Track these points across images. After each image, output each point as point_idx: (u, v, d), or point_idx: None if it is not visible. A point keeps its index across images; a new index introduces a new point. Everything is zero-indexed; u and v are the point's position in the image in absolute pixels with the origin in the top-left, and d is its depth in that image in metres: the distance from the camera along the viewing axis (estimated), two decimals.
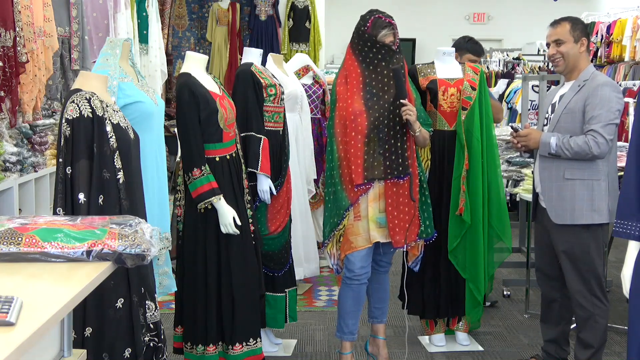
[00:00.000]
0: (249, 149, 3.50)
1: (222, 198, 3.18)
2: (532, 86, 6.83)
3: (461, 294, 3.91)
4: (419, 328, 4.20)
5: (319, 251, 4.86)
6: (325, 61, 9.61)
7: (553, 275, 3.53)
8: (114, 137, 2.47)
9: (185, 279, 3.30)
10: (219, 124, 3.22)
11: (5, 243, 1.73)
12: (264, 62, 3.94)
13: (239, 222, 3.21)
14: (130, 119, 2.70)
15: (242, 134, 3.49)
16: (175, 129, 3.45)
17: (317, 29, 8.82)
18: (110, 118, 2.49)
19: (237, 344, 3.29)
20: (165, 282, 3.12)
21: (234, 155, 3.32)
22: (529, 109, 6.35)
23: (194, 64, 3.32)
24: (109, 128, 2.47)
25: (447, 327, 4.07)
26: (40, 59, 4.04)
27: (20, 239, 1.74)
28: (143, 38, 5.86)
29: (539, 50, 10.80)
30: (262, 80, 3.62)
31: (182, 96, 3.19)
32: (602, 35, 9.03)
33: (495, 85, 8.52)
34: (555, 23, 3.41)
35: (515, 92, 7.87)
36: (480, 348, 4.01)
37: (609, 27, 8.94)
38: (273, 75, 3.83)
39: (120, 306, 2.46)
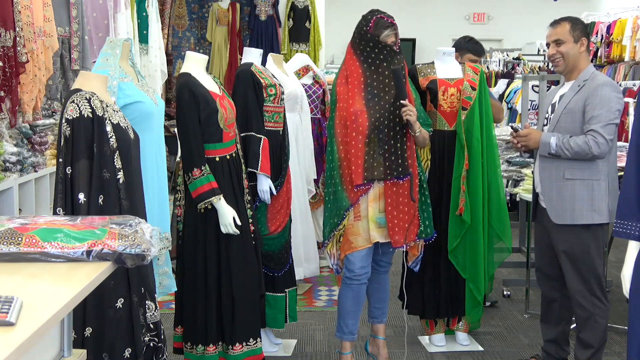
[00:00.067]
0: (249, 149, 3.50)
1: (222, 198, 3.18)
2: (532, 86, 6.83)
3: (461, 294, 3.91)
4: (419, 328, 4.20)
5: (319, 251, 4.86)
6: (325, 61, 9.61)
7: (553, 275, 3.53)
8: (114, 137, 2.47)
9: (185, 279, 3.30)
10: (219, 124, 3.22)
11: (5, 243, 1.73)
12: (264, 62, 3.94)
13: (239, 222, 3.21)
14: (130, 119, 2.70)
15: (242, 134, 3.49)
16: (175, 129, 3.45)
17: (317, 29, 8.82)
18: (110, 118, 2.49)
19: (237, 344, 3.29)
20: (165, 282, 3.12)
21: (234, 155, 3.32)
22: (529, 109, 6.35)
23: (194, 64, 3.32)
24: (109, 128, 2.47)
25: (447, 327, 4.07)
26: (40, 59, 4.04)
27: (20, 239, 1.74)
28: (143, 38, 5.86)
29: (539, 50, 10.80)
30: (262, 80, 3.62)
31: (182, 96, 3.19)
32: (602, 35, 9.03)
33: (495, 85, 8.52)
34: (555, 23, 3.42)
35: (515, 92, 7.87)
36: (480, 348, 4.01)
37: (609, 27, 8.94)
38: (273, 75, 3.83)
39: (120, 306, 2.46)
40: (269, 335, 3.91)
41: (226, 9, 8.59)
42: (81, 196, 2.39)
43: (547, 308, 3.62)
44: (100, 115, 2.45)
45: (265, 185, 3.54)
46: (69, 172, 2.41)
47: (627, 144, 3.75)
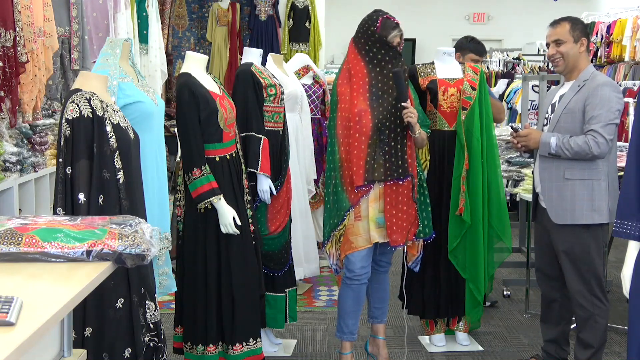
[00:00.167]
0: (249, 149, 3.50)
1: (222, 198, 3.18)
2: (532, 86, 6.84)
3: (461, 294, 3.91)
4: (419, 328, 4.20)
5: (319, 251, 4.86)
6: (325, 61, 9.61)
7: (553, 275, 3.53)
8: (114, 137, 2.47)
9: (185, 279, 3.30)
10: (219, 124, 3.22)
11: (5, 243, 1.73)
12: (264, 62, 3.94)
13: (239, 222, 3.21)
14: (130, 119, 2.70)
15: (242, 134, 3.49)
16: (175, 129, 3.45)
17: (317, 29, 8.82)
18: (110, 118, 2.49)
19: (237, 344, 3.29)
20: (165, 282, 3.12)
21: (234, 155, 3.32)
22: (529, 109, 6.36)
23: (194, 64, 3.32)
24: (109, 128, 2.47)
25: (447, 327, 4.07)
26: (40, 59, 4.04)
27: (20, 239, 1.74)
28: (143, 38, 5.86)
29: (539, 50, 10.80)
30: (262, 80, 3.62)
31: (182, 96, 3.19)
32: (602, 35, 9.03)
33: (495, 85, 8.52)
34: (555, 23, 3.41)
35: (515, 92, 7.87)
36: (480, 348, 4.01)
37: (609, 27, 8.93)
38: (273, 75, 3.83)
39: (120, 306, 2.46)
40: (269, 335, 3.91)
41: (226, 9, 8.59)
42: (81, 196, 2.39)
43: (547, 308, 3.62)
44: (100, 115, 2.45)
45: (265, 185, 3.54)
46: (69, 172, 2.41)
47: (627, 144, 3.75)
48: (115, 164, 2.46)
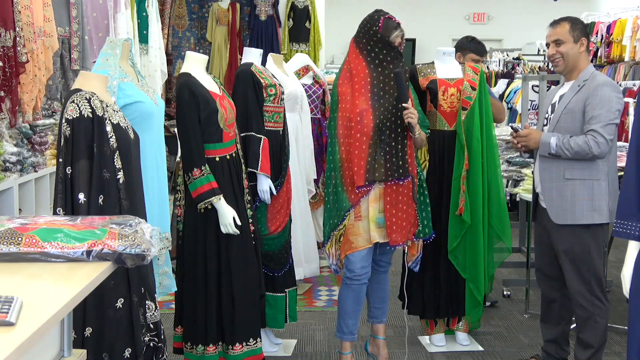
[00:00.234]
0: (249, 149, 3.50)
1: (222, 198, 3.18)
2: (532, 86, 6.84)
3: (461, 294, 3.91)
4: (419, 328, 4.20)
5: (319, 251, 4.86)
6: (325, 61, 9.61)
7: (553, 275, 3.53)
8: (114, 137, 2.47)
9: (185, 279, 3.30)
10: (219, 124, 3.22)
11: (5, 243, 1.73)
12: (264, 62, 3.94)
13: (239, 222, 3.21)
14: (130, 119, 2.70)
15: (242, 134, 3.49)
16: (175, 129, 3.45)
17: (317, 29, 8.82)
18: (110, 118, 2.49)
19: (237, 344, 3.29)
20: (165, 282, 3.12)
21: (234, 155, 3.32)
22: (529, 109, 6.36)
23: (194, 64, 3.32)
24: (109, 128, 2.47)
25: (447, 327, 4.07)
26: (40, 59, 4.04)
27: (20, 239, 1.74)
28: (143, 38, 5.86)
29: (539, 50, 10.80)
30: (262, 80, 3.62)
31: (182, 96, 3.19)
32: (602, 35, 9.03)
33: (495, 85, 8.52)
34: (554, 23, 3.42)
35: (515, 92, 7.88)
36: (480, 348, 4.01)
37: (609, 27, 8.94)
38: (273, 75, 3.83)
39: (120, 306, 2.46)
40: (269, 335, 3.91)
41: (226, 9, 8.59)
42: (81, 196, 2.39)
43: (547, 308, 3.62)
44: (100, 115, 2.45)
45: (265, 185, 3.54)
46: (69, 172, 2.41)
47: (627, 144, 3.75)
48: (115, 164, 2.46)
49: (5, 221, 1.81)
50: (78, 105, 2.43)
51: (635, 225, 2.25)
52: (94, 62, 3.64)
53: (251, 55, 3.76)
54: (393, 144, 3.31)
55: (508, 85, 8.25)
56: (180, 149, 3.28)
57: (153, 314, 2.65)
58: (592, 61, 7.91)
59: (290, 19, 8.73)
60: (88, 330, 2.43)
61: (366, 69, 3.31)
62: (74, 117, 2.42)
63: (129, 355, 2.48)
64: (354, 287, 3.43)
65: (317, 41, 8.82)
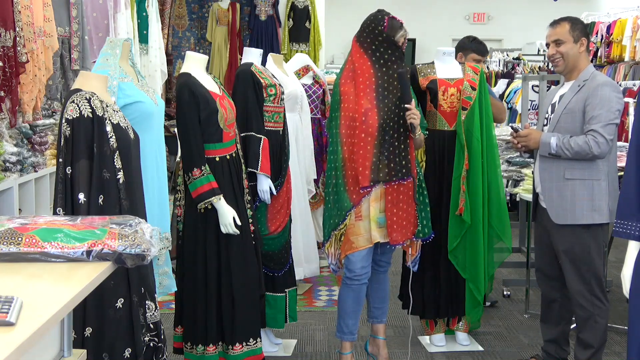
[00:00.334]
0: (249, 149, 3.50)
1: (222, 198, 3.18)
2: (532, 86, 6.84)
3: (461, 294, 3.91)
4: (419, 328, 4.20)
5: (319, 251, 4.86)
6: (325, 61, 9.61)
7: (553, 275, 3.53)
8: (114, 137, 2.47)
9: (185, 279, 3.30)
10: (219, 124, 3.22)
11: (5, 243, 1.73)
12: (264, 62, 3.94)
13: (239, 222, 3.21)
14: (130, 119, 2.70)
15: (242, 134, 3.49)
16: (175, 129, 3.45)
17: (317, 29, 8.82)
18: (110, 118, 2.49)
19: (237, 344, 3.29)
20: (165, 282, 3.12)
21: (234, 155, 3.32)
22: (529, 109, 6.36)
23: (194, 64, 3.32)
24: (109, 128, 2.47)
25: (447, 327, 4.07)
26: (40, 59, 4.04)
27: (20, 239, 1.74)
28: (143, 38, 5.86)
29: (539, 50, 10.80)
30: (262, 80, 3.62)
31: (182, 96, 3.19)
32: (602, 35, 9.03)
33: (495, 85, 8.52)
34: (554, 23, 3.42)
35: (515, 92, 7.88)
36: (480, 348, 4.01)
37: (609, 27, 8.94)
38: (273, 75, 3.83)
39: (120, 306, 2.46)
40: (269, 335, 3.91)
41: (226, 9, 8.59)
42: (81, 196, 2.39)
43: (547, 308, 3.62)
44: (100, 115, 2.45)
45: (265, 185, 3.54)
46: (69, 172, 2.41)
47: (627, 144, 3.75)
48: (115, 164, 2.46)
49: (5, 221, 1.81)
50: (78, 105, 2.43)
51: (635, 225, 2.25)
52: (94, 62, 3.64)
53: (251, 55, 3.76)
54: (396, 144, 3.31)
55: (508, 85, 8.25)
56: (180, 149, 3.28)
57: (153, 314, 2.65)
58: (592, 61, 7.91)
59: (290, 19, 8.73)
60: (88, 330, 2.43)
61: (371, 68, 3.31)
62: (74, 117, 2.42)
63: (129, 355, 2.48)
64: (354, 287, 3.43)
65: (317, 41, 8.82)
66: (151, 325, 2.65)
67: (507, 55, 10.25)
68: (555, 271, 3.50)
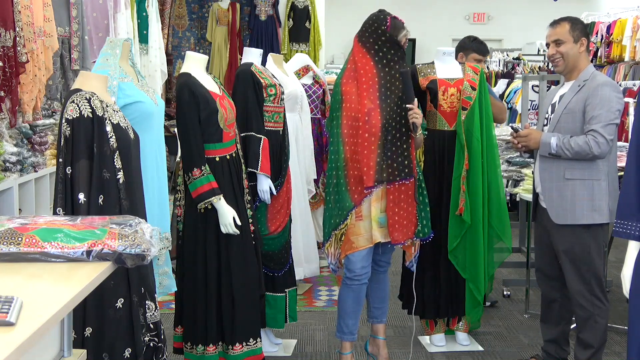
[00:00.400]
0: (249, 149, 3.50)
1: (222, 198, 3.18)
2: (532, 86, 6.84)
3: (461, 294, 3.91)
4: (419, 328, 4.20)
5: (319, 251, 4.86)
6: (325, 61, 9.61)
7: (553, 275, 3.53)
8: (114, 137, 2.47)
9: (185, 279, 3.30)
10: (219, 124, 3.21)
11: (5, 243, 1.73)
12: (264, 62, 3.94)
13: (239, 222, 3.21)
14: (130, 119, 2.70)
15: (242, 134, 3.49)
16: (175, 129, 3.45)
17: (317, 29, 8.82)
18: (110, 118, 2.49)
19: (237, 344, 3.29)
20: (165, 282, 3.12)
21: (234, 155, 3.32)
22: (529, 109, 6.36)
23: (194, 64, 3.32)
24: (109, 128, 2.47)
25: (447, 327, 4.07)
26: (40, 59, 4.04)
27: (20, 239, 1.74)
28: (143, 38, 5.86)
29: (539, 50, 10.81)
30: (262, 80, 3.62)
31: (182, 96, 3.19)
32: (602, 35, 9.03)
33: (495, 85, 8.52)
34: (554, 23, 3.42)
35: (515, 92, 7.88)
36: (480, 348, 4.01)
37: (609, 27, 8.94)
38: (273, 75, 3.83)
39: (120, 306, 2.46)
40: (269, 335, 3.91)
41: (226, 9, 8.59)
42: (81, 196, 2.39)
43: (547, 308, 3.62)
44: (100, 115, 2.45)
45: (265, 185, 3.54)
46: (69, 172, 2.41)
47: (627, 144, 3.75)
48: (115, 164, 2.46)
49: (5, 221, 1.81)
50: (78, 105, 2.43)
51: (635, 225, 2.25)
52: (94, 62, 3.64)
53: (251, 55, 3.76)
54: (398, 144, 3.31)
55: (508, 85, 8.25)
56: (180, 149, 3.28)
57: (153, 314, 2.65)
58: (592, 61, 7.91)
59: (290, 19, 8.73)
60: (88, 330, 2.43)
61: (374, 68, 3.30)
62: (74, 117, 2.42)
63: (129, 355, 2.48)
64: (354, 287, 3.43)
65: (317, 41, 8.82)
66: (151, 325, 2.65)
67: (507, 55, 10.25)
68: (555, 271, 3.50)
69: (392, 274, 3.91)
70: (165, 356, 2.74)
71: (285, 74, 4.34)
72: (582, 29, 3.38)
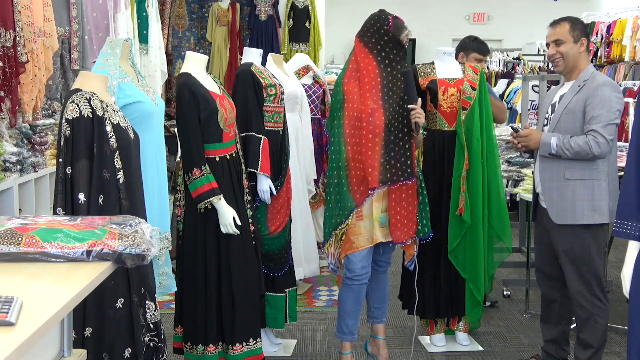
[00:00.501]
0: (249, 149, 3.50)
1: (222, 198, 3.18)
2: (532, 86, 6.84)
3: (461, 294, 3.91)
4: (419, 328, 4.19)
5: (319, 251, 4.86)
6: (325, 61, 9.60)
7: (553, 275, 3.53)
8: (114, 137, 2.47)
9: (185, 279, 3.30)
10: (219, 124, 3.22)
11: (5, 243, 1.73)
12: (264, 62, 3.94)
13: (239, 222, 3.21)
14: (130, 119, 2.70)
15: (242, 134, 3.49)
16: (175, 129, 3.45)
17: (317, 29, 8.82)
18: (110, 118, 2.49)
19: (237, 344, 3.29)
20: (165, 282, 3.12)
21: (234, 155, 3.32)
22: (529, 109, 6.36)
23: (194, 64, 3.32)
24: (109, 128, 2.47)
25: (447, 327, 4.07)
26: (40, 59, 4.04)
27: (20, 239, 1.74)
28: (143, 38, 5.86)
29: (539, 50, 10.81)
30: (262, 80, 3.62)
31: (182, 96, 3.19)
32: (602, 35, 9.03)
33: (495, 85, 8.52)
34: (554, 23, 3.42)
35: (515, 92, 7.88)
36: (480, 348, 4.01)
37: (609, 27, 8.94)
38: (273, 75, 3.83)
39: (120, 306, 2.46)
40: (269, 335, 3.91)
41: (226, 9, 8.59)
42: (81, 196, 2.39)
43: (547, 308, 3.62)
44: (100, 115, 2.45)
45: (265, 185, 3.54)
46: (69, 172, 2.41)
47: (627, 144, 3.75)
48: (115, 164, 2.46)
49: (5, 221, 1.81)
50: (78, 105, 2.43)
51: (635, 225, 2.25)
52: (94, 62, 3.64)
53: (251, 55, 3.76)
54: (400, 144, 3.30)
55: (508, 85, 8.25)
56: (180, 149, 3.28)
57: (153, 314, 2.65)
58: (592, 61, 7.91)
59: (290, 19, 8.73)
60: (88, 330, 2.43)
61: (376, 68, 3.30)
62: (74, 117, 2.42)
63: (129, 355, 2.48)
64: (354, 287, 3.43)
65: (317, 41, 8.82)
66: (151, 325, 2.65)
67: (507, 55, 10.25)
68: (555, 271, 3.50)
69: (392, 274, 3.91)
70: (165, 356, 2.74)
71: (285, 74, 4.34)
72: (582, 29, 3.38)
